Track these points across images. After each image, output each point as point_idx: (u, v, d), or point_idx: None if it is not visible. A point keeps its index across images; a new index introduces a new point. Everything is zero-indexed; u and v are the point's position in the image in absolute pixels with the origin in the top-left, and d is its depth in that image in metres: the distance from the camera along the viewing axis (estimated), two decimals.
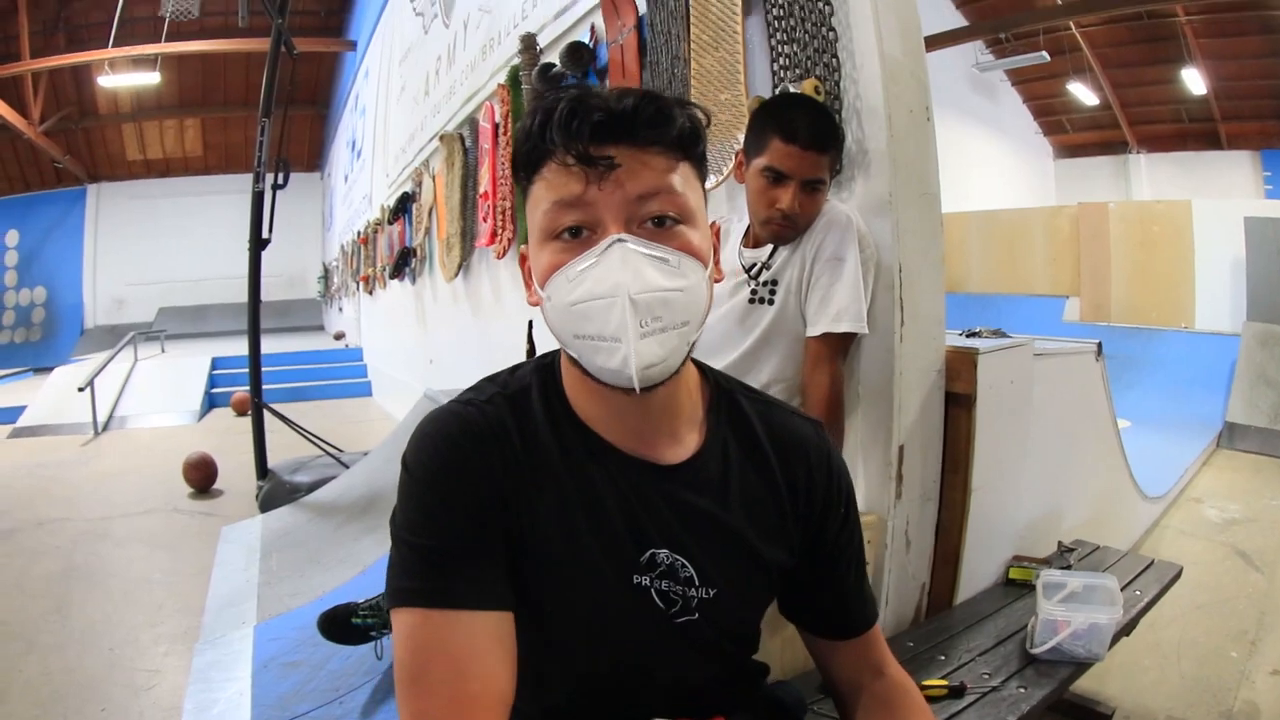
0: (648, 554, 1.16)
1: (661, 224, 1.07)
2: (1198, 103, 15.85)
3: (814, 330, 2.34)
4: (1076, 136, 18.78)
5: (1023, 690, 2.15)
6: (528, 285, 1.18)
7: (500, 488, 1.11)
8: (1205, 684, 3.24)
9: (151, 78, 16.30)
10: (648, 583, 1.16)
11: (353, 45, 14.95)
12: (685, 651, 1.21)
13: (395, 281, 10.03)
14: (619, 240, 1.04)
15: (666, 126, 1.07)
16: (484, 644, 1.05)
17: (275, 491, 6.06)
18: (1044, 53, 14.07)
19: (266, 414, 6.60)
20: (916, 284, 2.53)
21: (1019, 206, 12.43)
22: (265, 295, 6.85)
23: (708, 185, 2.98)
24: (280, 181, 6.44)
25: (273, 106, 6.69)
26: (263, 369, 6.81)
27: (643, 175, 1.05)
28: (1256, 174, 16.18)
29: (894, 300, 2.46)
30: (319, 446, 6.78)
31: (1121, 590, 2.58)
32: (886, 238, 2.47)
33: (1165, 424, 7.20)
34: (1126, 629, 2.60)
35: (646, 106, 1.05)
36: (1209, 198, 11.14)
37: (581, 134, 1.03)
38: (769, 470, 1.26)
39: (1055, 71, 15.63)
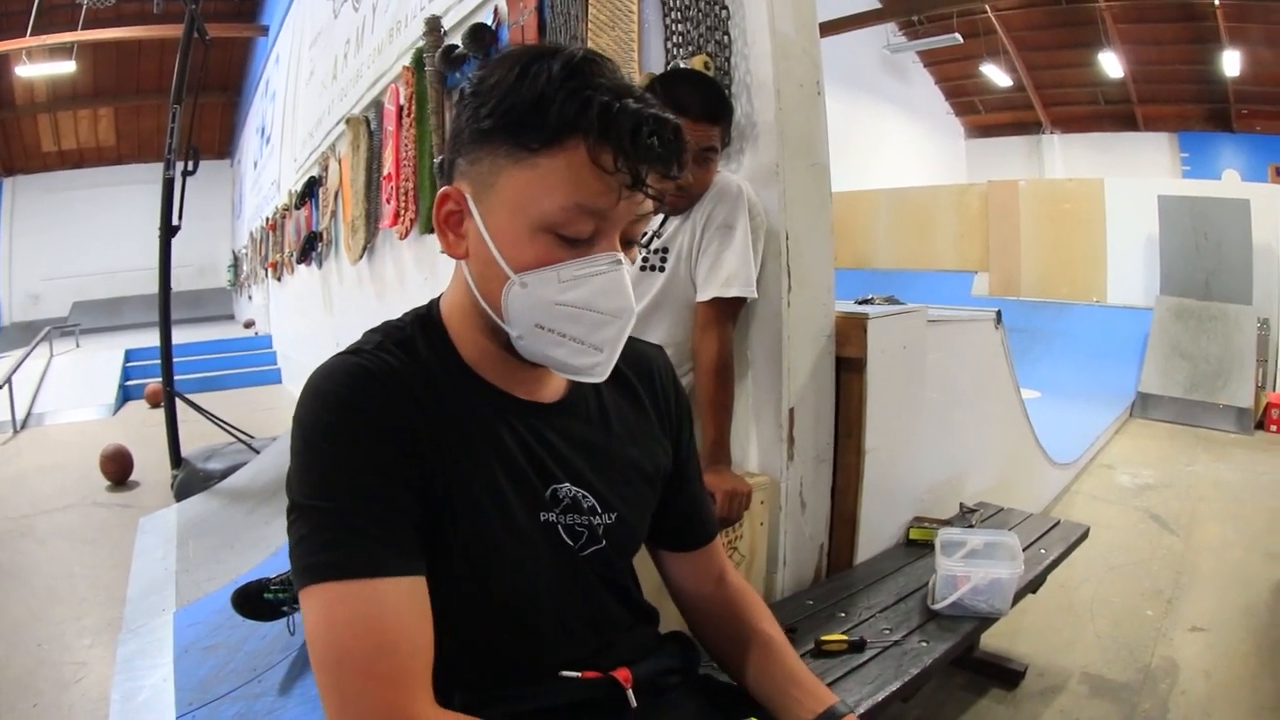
0: (550, 490, 1.17)
1: (630, 247, 1.09)
2: (1114, 86, 16.14)
3: (703, 295, 2.39)
4: (989, 117, 19.03)
5: (925, 644, 2.19)
6: (449, 233, 1.12)
7: (407, 435, 1.05)
8: (1121, 642, 3.31)
9: (67, 67, 15.85)
10: (554, 519, 1.17)
11: (265, 30, 14.64)
12: (592, 587, 1.24)
13: (302, 266, 9.93)
14: (619, 262, 1.06)
15: (681, 167, 1.06)
16: (407, 612, 1.00)
17: (189, 480, 6.03)
18: (957, 35, 14.24)
19: (179, 403, 6.53)
20: (805, 251, 2.58)
21: (929, 184, 12.58)
22: (176, 285, 6.74)
23: None
24: (190, 168, 6.33)
25: (184, 93, 6.59)
26: (174, 359, 6.70)
27: (645, 204, 1.06)
28: (1174, 155, 16.55)
29: (781, 267, 2.51)
30: (230, 433, 6.73)
31: (1025, 548, 2.67)
32: (774, 207, 2.53)
33: (1076, 394, 7.39)
34: (1032, 586, 2.67)
35: (680, 142, 1.04)
36: (1124, 176, 11.35)
37: (649, 156, 1.00)
38: (634, 391, 1.33)
39: (969, 54, 15.80)
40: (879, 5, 14.28)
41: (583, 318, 1.06)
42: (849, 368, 2.74)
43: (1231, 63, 13.78)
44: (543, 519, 1.16)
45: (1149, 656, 3.19)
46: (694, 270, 2.42)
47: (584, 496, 1.19)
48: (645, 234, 2.47)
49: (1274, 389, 7.65)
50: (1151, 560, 4.18)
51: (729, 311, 2.41)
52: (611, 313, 1.07)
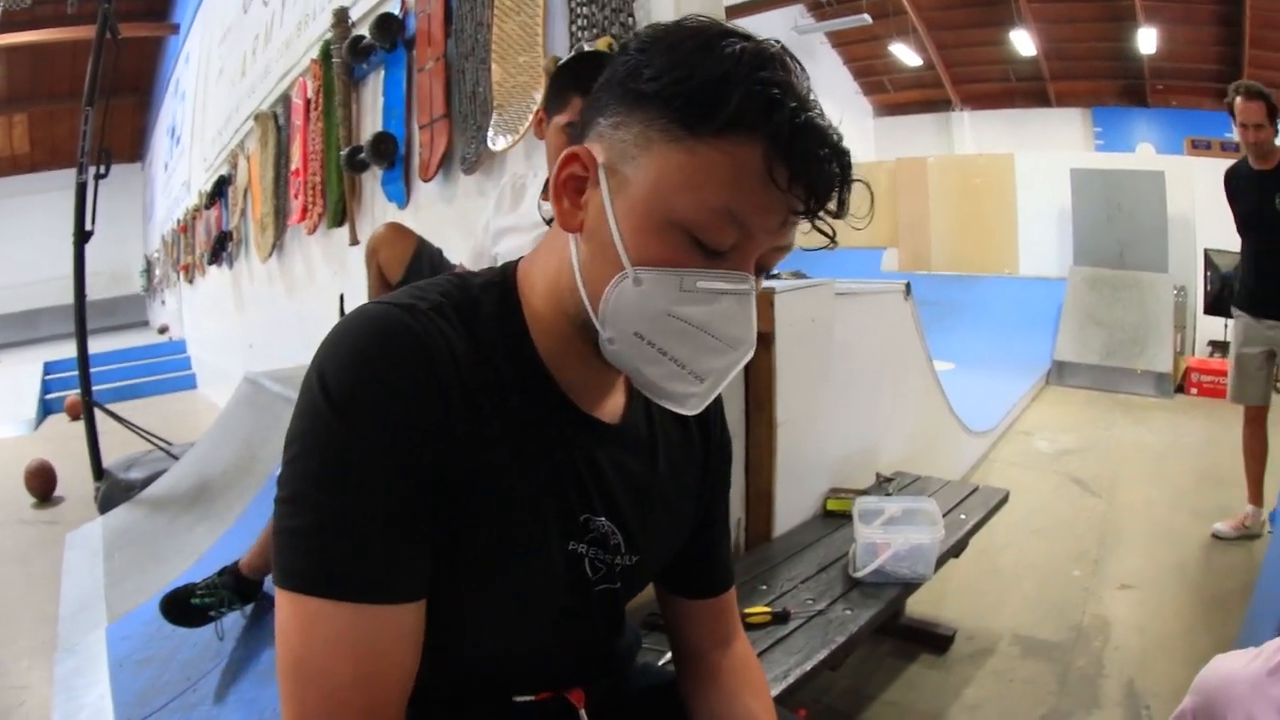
0: (583, 518, 1.02)
1: (760, 275, 0.92)
2: (1026, 63, 16.34)
3: None
4: (898, 95, 19.17)
5: (849, 612, 2.22)
6: (569, 199, 0.95)
7: (454, 431, 0.87)
8: (1050, 603, 3.38)
9: None
10: (582, 550, 1.03)
11: (176, 29, 14.28)
12: (596, 621, 1.12)
13: (214, 267, 9.78)
14: (751, 288, 0.89)
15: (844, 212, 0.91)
16: (401, 642, 0.87)
17: (112, 491, 5.89)
18: (866, 15, 14.26)
19: (99, 414, 6.40)
20: None
21: None
22: (90, 293, 6.57)
23: (503, 146, 3.00)
24: (102, 171, 6.21)
25: (96, 95, 6.46)
26: (91, 369, 6.57)
27: (793, 236, 0.91)
28: (1087, 130, 16.81)
29: None
30: (149, 441, 6.61)
31: (945, 515, 2.73)
32: None
33: (991, 364, 7.55)
34: (955, 551, 2.72)
35: (850, 187, 0.91)
36: (1036, 151, 11.57)
37: (828, 185, 0.86)
38: (687, 427, 1.17)
39: (877, 34, 15.82)
40: None
41: (695, 339, 0.88)
42: (757, 342, 2.76)
43: (1147, 40, 14.01)
44: (571, 548, 1.02)
45: (1079, 615, 3.25)
46: None
47: (614, 533, 1.05)
48: (554, 217, 2.48)
49: (1193, 353, 7.87)
50: (1075, 522, 4.27)
51: None
52: (730, 342, 0.89)
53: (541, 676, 1.11)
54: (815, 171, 0.83)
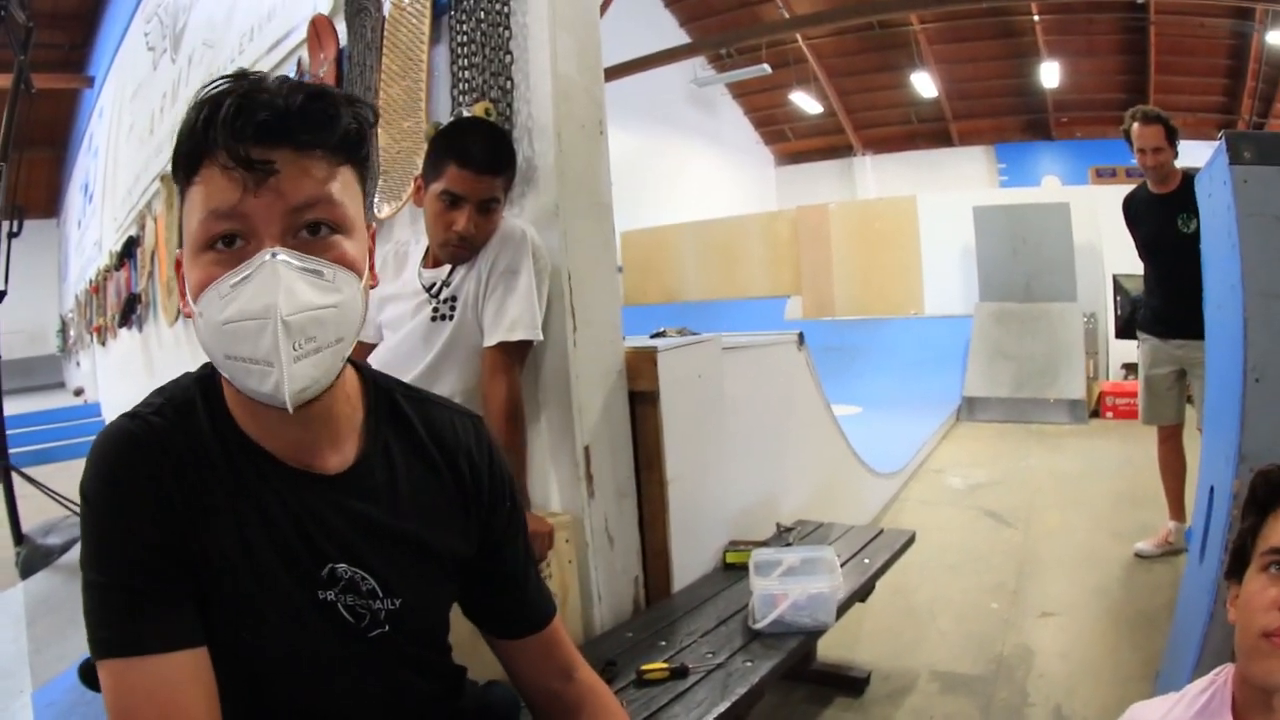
0: (327, 569, 1.10)
1: (317, 233, 1.01)
2: (928, 104, 16.80)
3: (490, 340, 2.40)
4: (799, 144, 19.58)
5: (749, 664, 2.23)
6: (181, 297, 1.07)
7: (175, 508, 1.03)
8: (968, 636, 3.40)
9: None
10: (333, 598, 1.11)
11: (90, 82, 14.01)
12: (384, 664, 1.17)
13: (124, 330, 9.55)
14: (273, 255, 0.96)
15: (331, 129, 1.00)
16: (184, 686, 0.98)
17: (32, 557, 5.82)
18: (765, 65, 14.60)
19: (16, 478, 6.25)
20: (588, 290, 2.64)
21: (737, 215, 12.89)
22: (6, 353, 6.45)
23: (388, 213, 3.02)
24: (15, 229, 6.08)
25: (9, 149, 6.34)
26: (8, 431, 6.41)
27: (302, 183, 0.99)
28: (991, 167, 17.31)
29: (565, 307, 2.56)
30: (67, 507, 6.46)
31: (848, 561, 2.77)
32: (555, 247, 2.57)
33: (898, 405, 7.69)
34: (860, 595, 2.74)
35: (314, 105, 0.99)
36: (939, 192, 11.80)
37: (245, 133, 0.95)
38: (435, 466, 1.23)
39: (778, 83, 16.24)
40: (688, 40, 14.56)
41: (242, 331, 0.97)
42: (643, 401, 2.80)
43: (1050, 74, 14.46)
44: (321, 597, 1.11)
45: (1000, 647, 3.28)
46: (480, 317, 2.44)
47: (363, 578, 1.13)
48: (435, 285, 2.49)
49: (1106, 379, 8.04)
50: (991, 555, 4.31)
51: (516, 355, 2.43)
52: (259, 314, 0.96)
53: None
54: (241, 132, 0.95)
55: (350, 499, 1.14)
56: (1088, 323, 8.11)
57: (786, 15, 13.98)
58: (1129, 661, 3.08)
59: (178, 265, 1.07)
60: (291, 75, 4.15)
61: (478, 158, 2.33)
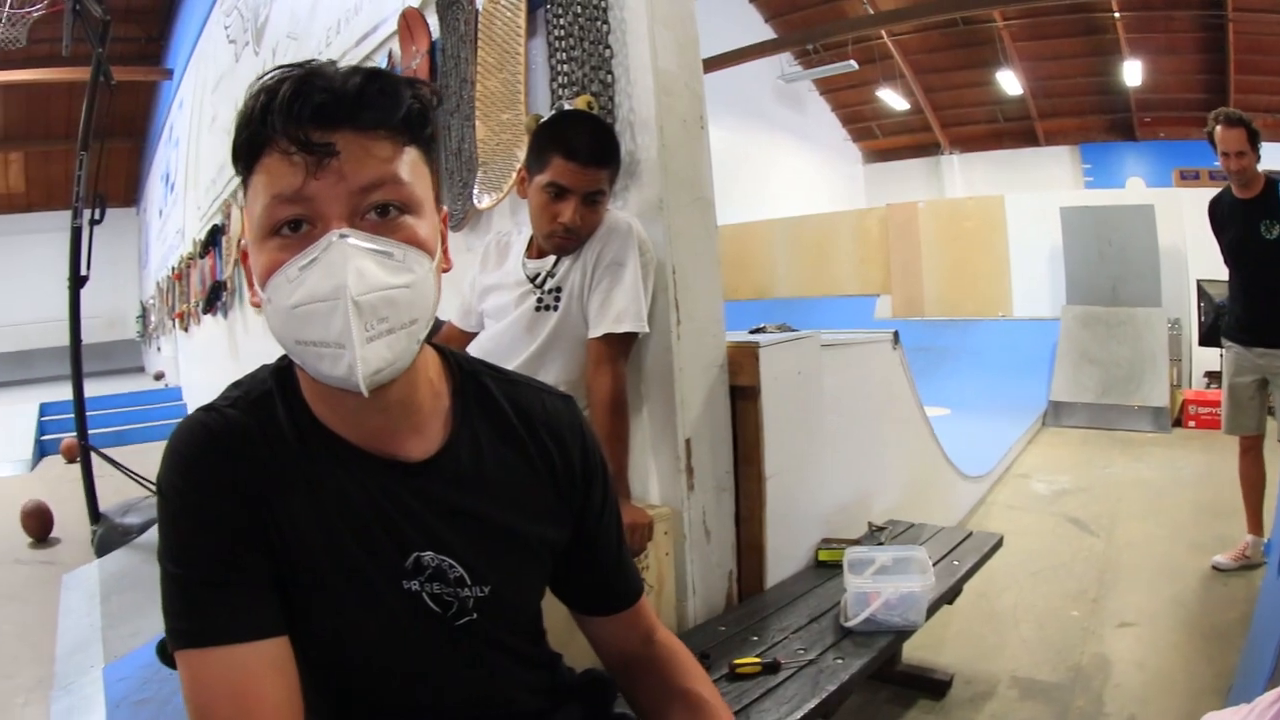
0: (412, 558, 1.08)
1: (386, 214, 0.99)
2: (1014, 103, 16.54)
3: (595, 332, 2.41)
4: (886, 141, 19.38)
5: (840, 661, 2.22)
6: (249, 286, 1.06)
7: (253, 500, 1.02)
8: (1048, 644, 3.36)
9: None
10: (417, 587, 1.08)
11: (169, 74, 14.29)
12: (473, 652, 1.15)
13: (208, 316, 9.74)
14: (340, 236, 0.95)
15: (393, 108, 0.99)
16: (264, 676, 0.97)
17: (109, 535, 5.93)
18: (852, 61, 14.42)
19: (95, 458, 6.39)
20: (692, 284, 2.64)
21: (827, 211, 12.81)
22: (86, 337, 6.56)
23: (488, 204, 3.03)
24: (97, 217, 6.21)
25: (90, 139, 6.48)
26: (88, 413, 6.58)
27: (367, 164, 0.97)
28: (1076, 167, 16.99)
29: (669, 300, 2.56)
30: (146, 487, 6.58)
31: (938, 561, 2.73)
32: (659, 241, 2.57)
33: (986, 408, 7.55)
34: (948, 597, 2.72)
35: (371, 86, 0.97)
36: (1026, 192, 11.63)
37: (302, 117, 0.94)
38: (524, 449, 1.20)
39: (865, 79, 16.10)
40: (774, 35, 14.49)
41: (313, 314, 0.96)
42: (744, 396, 2.79)
43: (1133, 73, 14.17)
44: (406, 587, 1.09)
45: (1079, 655, 3.24)
46: (585, 308, 2.45)
47: (450, 566, 1.10)
48: (539, 275, 2.50)
49: (1189, 386, 7.87)
50: (1073, 562, 4.25)
51: (621, 347, 2.43)
52: (329, 295, 0.95)
53: (463, 709, 1.17)
54: (299, 115, 0.94)
55: (435, 486, 1.12)
56: (1172, 329, 7.90)
57: (870, 11, 13.87)
58: (1203, 674, 3.04)
59: (244, 257, 1.07)
60: (383, 67, 4.21)
61: (584, 150, 2.33)
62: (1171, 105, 15.10)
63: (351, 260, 0.95)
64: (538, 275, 2.51)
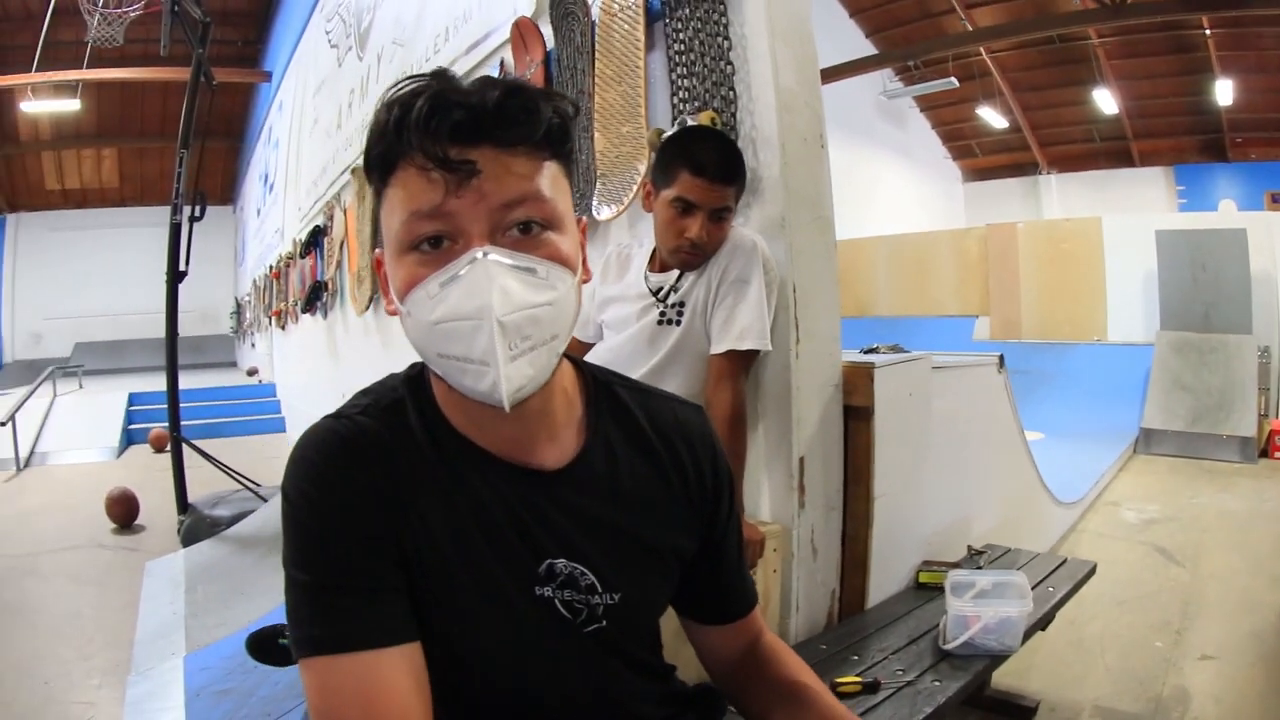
0: (545, 565, 1.09)
1: (528, 231, 1.00)
2: (1109, 122, 16.32)
3: (718, 348, 2.42)
4: (986, 160, 19.22)
5: (938, 683, 2.21)
6: (384, 294, 1.08)
7: (387, 505, 1.03)
8: (1132, 674, 3.33)
9: (72, 104, 16.01)
10: (550, 593, 1.09)
11: (268, 76, 14.68)
12: (598, 660, 1.15)
13: (307, 316, 9.84)
14: (484, 254, 0.96)
15: (533, 125, 0.98)
16: (394, 681, 0.97)
17: (196, 526, 6.04)
18: (953, 79, 14.38)
19: (185, 449, 6.54)
20: (811, 303, 2.64)
21: (927, 230, 12.72)
22: (180, 330, 6.75)
23: (607, 216, 3.05)
24: (197, 214, 6.37)
25: (191, 138, 6.64)
26: (180, 405, 6.75)
27: (507, 181, 0.97)
28: (1170, 189, 16.71)
29: (789, 319, 2.56)
30: (238, 481, 6.72)
31: (1033, 587, 2.68)
32: (781, 259, 2.58)
33: (1080, 434, 7.44)
34: (1042, 623, 2.69)
35: (511, 102, 0.96)
36: (1121, 214, 11.46)
37: (440, 134, 0.94)
38: (657, 459, 1.20)
39: (964, 97, 16.00)
40: (875, 51, 14.45)
41: (456, 332, 0.97)
42: (856, 416, 2.78)
43: (1224, 91, 13.94)
44: (538, 593, 1.09)
45: (1160, 686, 3.22)
46: (709, 324, 2.46)
47: (581, 574, 1.11)
48: (662, 289, 2.51)
49: (1277, 416, 7.70)
50: (1159, 593, 4.21)
51: (743, 364, 2.44)
52: (474, 314, 0.96)
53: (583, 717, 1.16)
54: (437, 132, 0.94)
55: (569, 494, 1.12)
56: (1261, 357, 7.72)
57: (969, 27, 13.76)
58: (1276, 709, 3.03)
59: (378, 264, 1.08)
60: (496, 75, 4.24)
61: (711, 167, 2.34)
62: (1262, 125, 14.84)
63: (496, 280, 0.96)
64: (661, 289, 2.53)
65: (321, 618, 0.98)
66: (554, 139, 1.01)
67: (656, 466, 1.20)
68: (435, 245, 0.98)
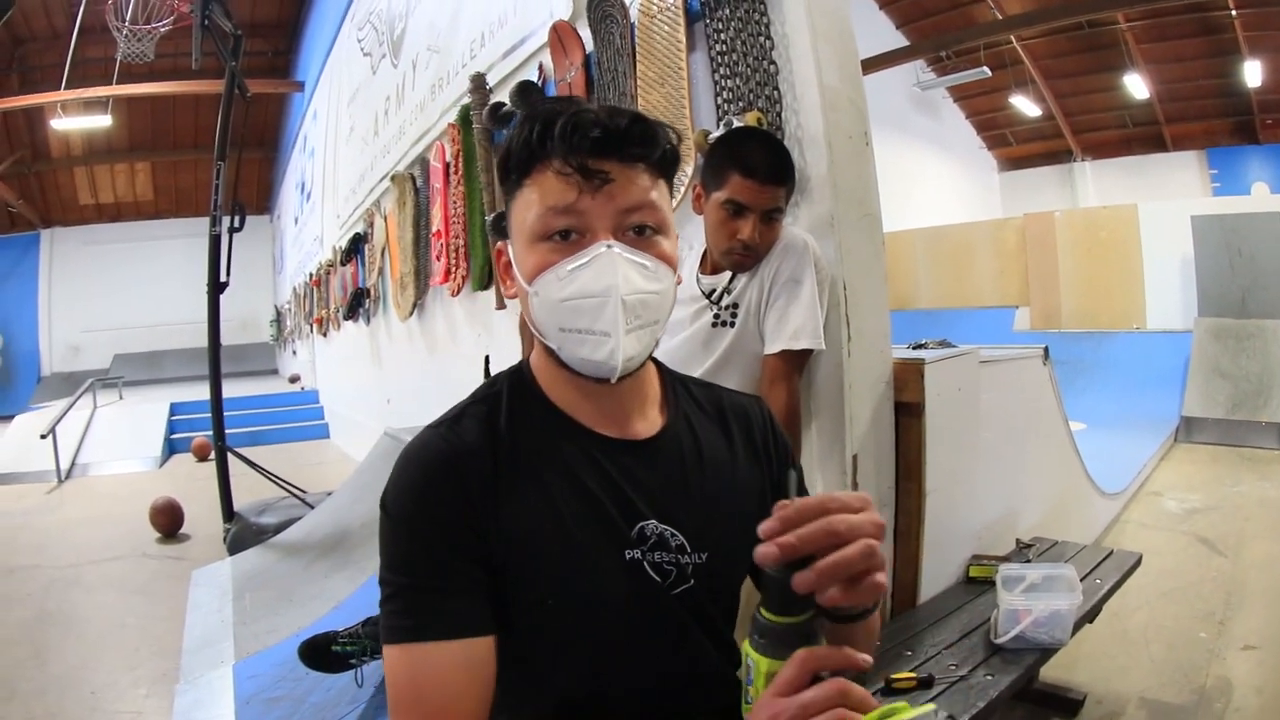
0: (637, 528, 1.19)
1: (642, 233, 1.16)
2: (1141, 107, 16.15)
3: (772, 348, 2.43)
4: (1020, 149, 19.06)
5: (990, 677, 2.24)
6: (504, 279, 1.26)
7: (474, 513, 1.14)
8: (1176, 665, 3.33)
9: (103, 120, 16.06)
10: (639, 556, 1.19)
11: (300, 86, 14.78)
12: (686, 625, 1.23)
13: (349, 322, 9.97)
14: (609, 246, 1.12)
15: (653, 147, 1.15)
16: (454, 672, 1.10)
17: (242, 534, 6.07)
18: (985, 68, 14.29)
19: (230, 458, 6.59)
20: (861, 301, 2.65)
21: (965, 221, 12.61)
22: (221, 339, 6.82)
23: None
24: (236, 225, 6.42)
25: (227, 149, 6.70)
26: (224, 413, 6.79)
27: (630, 190, 1.13)
28: (1203, 173, 16.52)
29: (840, 317, 2.58)
30: (284, 488, 6.77)
31: (1081, 580, 2.68)
32: (831, 258, 2.59)
33: (1121, 423, 7.36)
34: (1089, 616, 2.70)
35: (636, 127, 1.13)
36: (1156, 200, 11.34)
37: (581, 147, 1.10)
38: (730, 434, 1.34)
39: (997, 85, 15.90)
40: (906, 43, 14.38)
41: (583, 307, 1.13)
42: (907, 412, 2.80)
43: (1253, 73, 13.79)
44: (628, 556, 1.19)
45: (1203, 677, 3.22)
46: (762, 324, 2.47)
47: (672, 535, 1.21)
48: (715, 291, 2.53)
49: None
50: (1202, 583, 4.19)
51: (797, 363, 2.45)
52: (601, 293, 1.12)
53: (665, 710, 1.23)
54: (568, 147, 1.10)
55: (660, 460, 1.25)
56: None
57: (998, 16, 13.68)
58: None
59: (499, 254, 1.27)
60: (533, 80, 4.28)
61: (762, 168, 2.35)
62: None
63: (620, 267, 1.12)
64: (714, 291, 2.54)
65: (402, 611, 1.12)
66: (666, 162, 1.19)
67: (728, 440, 1.34)
68: (564, 238, 1.14)
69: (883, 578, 0.91)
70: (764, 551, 0.89)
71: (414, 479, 1.16)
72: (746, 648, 0.94)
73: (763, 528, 0.91)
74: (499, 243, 1.26)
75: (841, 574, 0.88)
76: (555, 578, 1.16)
